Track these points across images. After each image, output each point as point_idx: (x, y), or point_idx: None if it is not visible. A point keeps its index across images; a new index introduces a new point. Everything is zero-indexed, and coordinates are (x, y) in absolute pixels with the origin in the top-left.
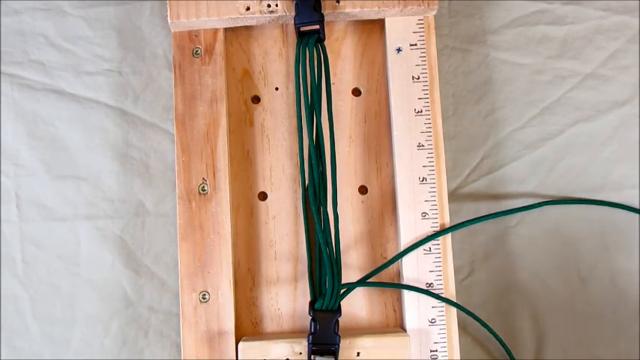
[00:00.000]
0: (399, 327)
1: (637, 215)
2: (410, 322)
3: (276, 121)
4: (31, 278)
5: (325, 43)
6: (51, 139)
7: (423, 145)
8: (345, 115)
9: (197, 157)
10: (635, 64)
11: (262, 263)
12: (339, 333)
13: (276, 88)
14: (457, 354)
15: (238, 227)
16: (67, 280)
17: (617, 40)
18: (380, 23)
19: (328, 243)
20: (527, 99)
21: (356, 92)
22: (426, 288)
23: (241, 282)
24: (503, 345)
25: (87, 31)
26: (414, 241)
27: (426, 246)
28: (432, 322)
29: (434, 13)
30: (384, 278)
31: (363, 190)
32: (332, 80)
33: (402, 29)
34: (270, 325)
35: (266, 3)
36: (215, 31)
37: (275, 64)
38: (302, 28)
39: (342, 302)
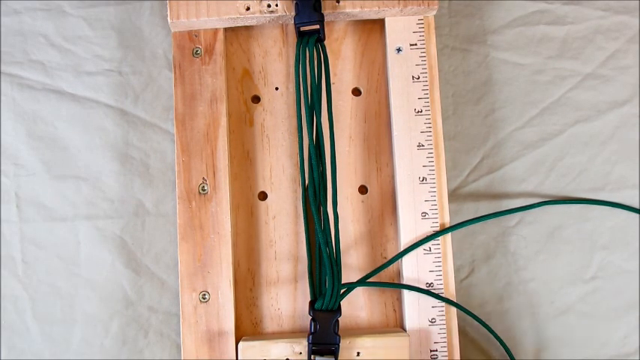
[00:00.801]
0: (399, 327)
1: (637, 215)
2: (410, 322)
3: (276, 121)
4: (31, 278)
5: (325, 43)
6: (51, 139)
7: (423, 145)
8: (345, 115)
9: (197, 157)
10: (635, 64)
11: (262, 263)
12: (339, 333)
13: (276, 88)
14: (457, 354)
15: (238, 227)
16: (67, 280)
17: (617, 40)
18: (380, 23)
19: (328, 243)
20: (527, 99)
21: (356, 92)
22: (426, 288)
23: (241, 282)
24: (503, 345)
25: (87, 31)
26: (414, 241)
27: (426, 246)
28: (432, 322)
29: (434, 13)
30: (384, 278)
31: (363, 190)
32: (332, 80)
33: (402, 29)
34: (270, 325)
35: (266, 3)
36: (215, 31)
37: (275, 64)
38: (302, 28)
39: (342, 302)
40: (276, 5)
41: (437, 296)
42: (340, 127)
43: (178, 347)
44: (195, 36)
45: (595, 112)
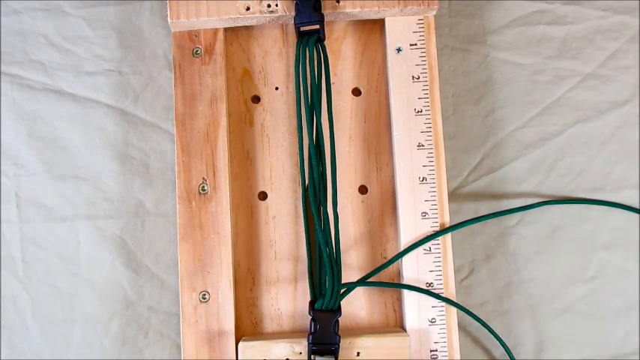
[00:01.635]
0: (399, 327)
1: (637, 215)
2: (410, 322)
3: (276, 121)
4: (31, 278)
5: (325, 43)
6: (51, 139)
7: (423, 145)
8: (345, 115)
9: (197, 157)
10: (635, 64)
11: (262, 263)
12: (339, 333)
13: (276, 88)
14: (457, 354)
15: (238, 227)
16: (67, 280)
17: (617, 40)
18: (380, 23)
19: (328, 243)
20: (527, 99)
21: (356, 92)
22: (426, 288)
23: (241, 282)
24: (504, 345)
25: (87, 31)
26: (414, 241)
27: (426, 246)
28: (432, 322)
29: (434, 13)
30: (384, 278)
31: (363, 190)
32: (332, 80)
33: (402, 29)
34: (270, 325)
35: (266, 3)
36: (215, 31)
37: (275, 64)
38: (302, 28)
39: (342, 302)
40: (276, 5)
41: (437, 296)
42: (340, 127)
43: (178, 347)
44: (195, 36)
45: (595, 112)
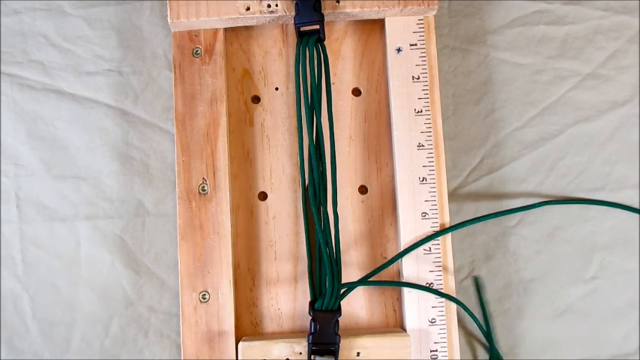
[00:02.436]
0: (399, 327)
1: (637, 215)
2: (410, 322)
3: (276, 121)
4: (31, 278)
5: (325, 43)
6: (51, 139)
7: (423, 145)
8: (345, 115)
9: (197, 157)
10: (635, 64)
11: (262, 263)
12: (339, 333)
13: (276, 88)
14: (457, 354)
15: (238, 227)
16: (67, 280)
17: (617, 40)
18: (380, 23)
19: (328, 243)
20: (527, 99)
21: (356, 92)
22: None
23: (241, 282)
24: (491, 344)
25: (87, 31)
26: (414, 241)
27: (426, 246)
28: (432, 322)
29: (434, 13)
30: (384, 278)
31: (363, 190)
32: (332, 80)
33: (402, 29)
34: (270, 325)
35: (266, 3)
36: (215, 31)
37: (275, 64)
38: (302, 28)
39: (342, 302)
40: (276, 5)
41: (436, 292)
42: (340, 127)
43: (178, 347)
44: (195, 36)
45: (595, 112)
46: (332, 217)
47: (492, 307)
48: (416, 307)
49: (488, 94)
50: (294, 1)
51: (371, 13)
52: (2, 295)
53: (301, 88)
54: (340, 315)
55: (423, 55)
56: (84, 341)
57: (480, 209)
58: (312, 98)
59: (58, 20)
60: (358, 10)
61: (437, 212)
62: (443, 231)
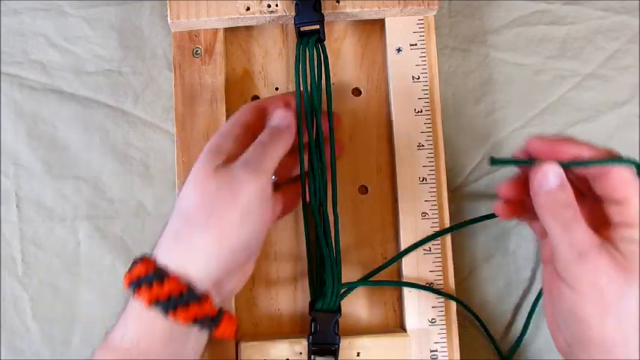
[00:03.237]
0: (399, 327)
1: None
2: (410, 322)
3: None
4: (31, 278)
5: (325, 43)
6: (51, 139)
7: (423, 145)
8: (345, 115)
9: (197, 157)
10: (635, 64)
11: (262, 263)
12: (339, 333)
13: (276, 88)
14: (457, 354)
15: None
16: (67, 280)
17: (617, 40)
18: (380, 23)
19: (328, 243)
20: (527, 99)
21: (356, 92)
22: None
23: None
24: (494, 343)
25: (87, 31)
26: (414, 242)
27: (426, 246)
28: (432, 322)
29: (434, 13)
30: (384, 278)
31: (363, 190)
32: (332, 80)
33: (402, 29)
34: (270, 325)
35: (266, 3)
36: (215, 31)
37: (275, 64)
38: (302, 28)
39: (342, 302)
40: (276, 5)
41: (436, 291)
42: (340, 127)
43: None
44: (196, 36)
45: (595, 112)
46: (332, 217)
47: (492, 307)
48: (416, 307)
49: (488, 94)
50: (294, 1)
51: (371, 13)
52: (2, 295)
53: (301, 88)
54: (340, 315)
55: (423, 55)
56: (84, 341)
57: (480, 209)
58: (312, 98)
59: (58, 20)
60: (358, 10)
61: (437, 212)
62: (443, 231)
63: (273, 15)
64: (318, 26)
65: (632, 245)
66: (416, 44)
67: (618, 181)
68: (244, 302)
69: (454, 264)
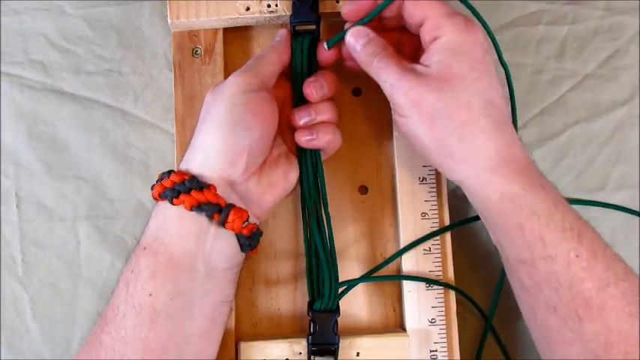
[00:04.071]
0: (399, 327)
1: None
2: (410, 322)
3: None
4: (31, 278)
5: None
6: (51, 139)
7: None
8: (345, 115)
9: None
10: (635, 64)
11: (262, 263)
12: (339, 333)
13: None
14: (457, 354)
15: None
16: (67, 280)
17: (617, 40)
18: None
19: (324, 243)
20: (527, 99)
21: (356, 92)
22: (425, 288)
23: (241, 282)
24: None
25: (87, 31)
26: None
27: (426, 246)
28: (432, 322)
29: None
30: (384, 279)
31: (363, 190)
32: None
33: None
34: (270, 325)
35: (266, 3)
36: (215, 31)
37: None
38: (297, 27)
39: (342, 302)
40: (276, 5)
41: (434, 282)
42: (340, 127)
43: None
44: (195, 36)
45: (595, 112)
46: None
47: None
48: (416, 307)
49: None
50: (292, 0)
51: None
52: (2, 295)
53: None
54: (339, 315)
55: None
56: (84, 341)
57: None
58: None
59: (58, 20)
60: None
61: (437, 212)
62: (442, 230)
63: (272, 15)
64: (314, 26)
65: (435, 56)
66: None
67: (412, 7)
68: (244, 302)
69: (454, 264)
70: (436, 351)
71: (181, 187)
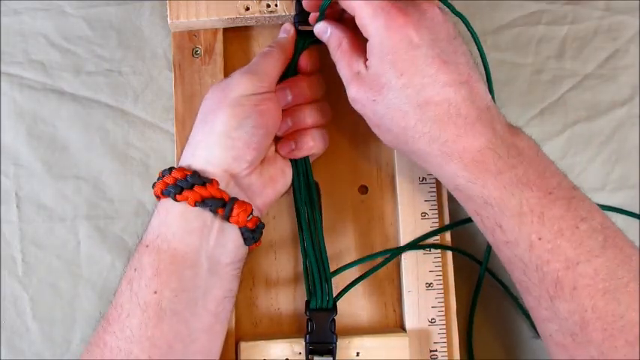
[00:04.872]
0: (399, 327)
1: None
2: (410, 322)
3: None
4: (31, 278)
5: None
6: (51, 139)
7: None
8: (345, 115)
9: None
10: (635, 64)
11: (262, 263)
12: (338, 332)
13: None
14: (457, 354)
15: None
16: (67, 280)
17: (617, 40)
18: None
19: (314, 244)
20: (527, 99)
21: None
22: (425, 288)
23: (241, 282)
24: (513, 297)
25: (87, 31)
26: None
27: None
28: (432, 322)
29: None
30: (384, 279)
31: (363, 190)
32: (332, 80)
33: None
34: (270, 325)
35: (265, 3)
36: (215, 31)
37: None
38: (301, 27)
39: (342, 302)
40: (276, 5)
41: (435, 246)
42: (340, 126)
43: None
44: (195, 36)
45: (595, 112)
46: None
47: (493, 307)
48: (416, 307)
49: None
50: (294, 1)
51: None
52: (2, 295)
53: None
54: (336, 314)
55: None
56: (84, 341)
57: None
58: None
59: (58, 20)
60: None
61: (436, 212)
62: (442, 229)
63: (272, 15)
64: None
65: (369, 59)
66: None
67: (345, 6)
68: (244, 302)
69: (454, 264)
70: (436, 351)
71: (184, 183)
